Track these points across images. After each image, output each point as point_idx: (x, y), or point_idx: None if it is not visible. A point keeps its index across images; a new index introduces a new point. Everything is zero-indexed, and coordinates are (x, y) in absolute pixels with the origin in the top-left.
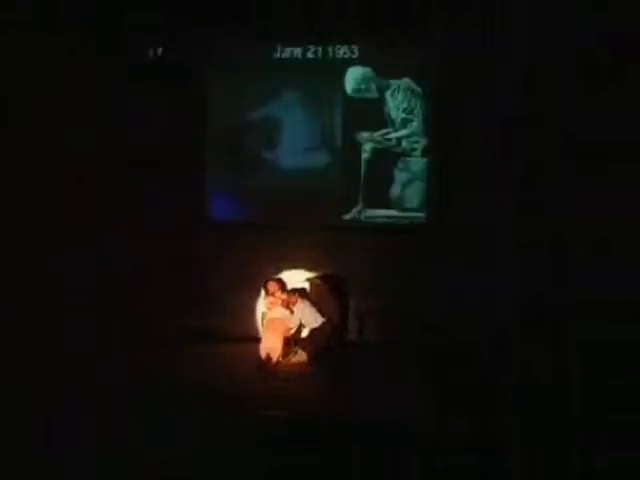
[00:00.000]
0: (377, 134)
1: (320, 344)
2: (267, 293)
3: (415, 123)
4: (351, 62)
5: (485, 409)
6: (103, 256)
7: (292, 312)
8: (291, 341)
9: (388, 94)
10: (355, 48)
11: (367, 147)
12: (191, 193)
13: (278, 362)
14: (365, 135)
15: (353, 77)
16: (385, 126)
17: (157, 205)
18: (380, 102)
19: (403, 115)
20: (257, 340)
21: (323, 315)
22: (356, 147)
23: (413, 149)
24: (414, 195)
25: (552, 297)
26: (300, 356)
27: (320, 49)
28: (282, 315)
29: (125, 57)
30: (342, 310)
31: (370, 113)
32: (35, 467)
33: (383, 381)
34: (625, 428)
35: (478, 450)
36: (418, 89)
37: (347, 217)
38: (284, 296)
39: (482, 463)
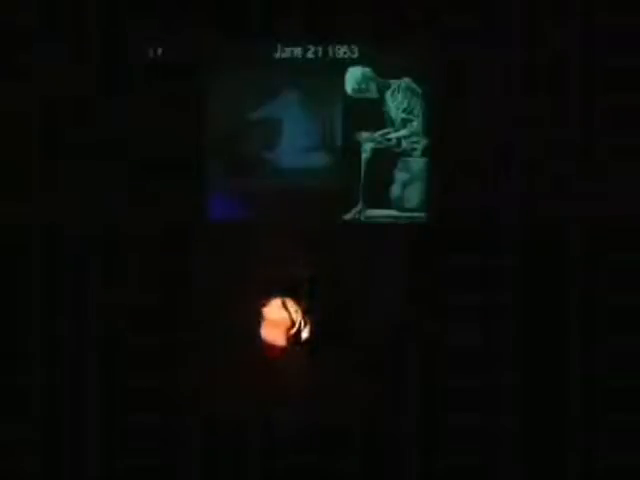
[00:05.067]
0: (377, 134)
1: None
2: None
3: (415, 123)
4: (351, 62)
5: (485, 409)
6: (102, 257)
7: (291, 313)
8: (290, 341)
9: (388, 94)
10: (355, 48)
11: (367, 147)
12: (191, 193)
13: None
14: (365, 135)
15: (353, 77)
16: (385, 126)
17: (157, 205)
18: (380, 102)
19: (403, 115)
20: (258, 340)
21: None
22: (356, 147)
23: (413, 149)
24: (414, 195)
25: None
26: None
27: (320, 49)
28: (281, 316)
29: (125, 57)
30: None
31: (370, 113)
32: None
33: (385, 381)
34: (625, 428)
35: (478, 449)
36: (418, 89)
37: (347, 217)
38: (286, 299)
39: (482, 463)
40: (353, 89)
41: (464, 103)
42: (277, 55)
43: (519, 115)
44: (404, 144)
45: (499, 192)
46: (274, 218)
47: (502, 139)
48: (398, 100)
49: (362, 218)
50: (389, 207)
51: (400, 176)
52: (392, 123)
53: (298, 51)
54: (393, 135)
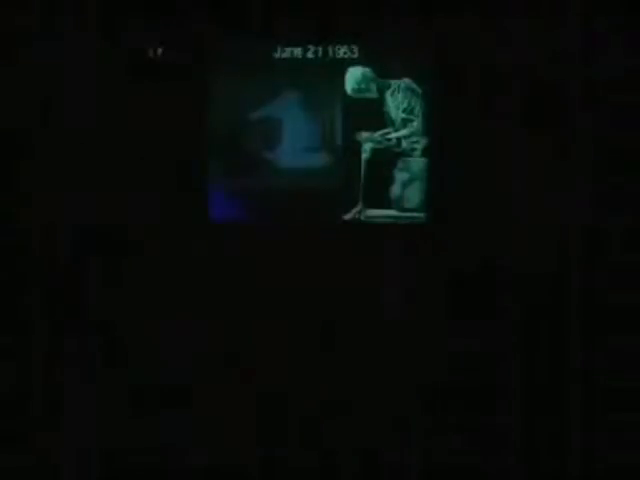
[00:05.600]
0: (377, 134)
1: None
2: None
3: (415, 123)
4: (351, 62)
5: (485, 409)
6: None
7: None
8: None
9: (388, 94)
10: (355, 48)
11: (367, 147)
12: (191, 193)
13: None
14: (365, 135)
15: (353, 77)
16: (385, 126)
17: (157, 205)
18: (380, 102)
19: (403, 115)
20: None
21: None
22: (356, 147)
23: (413, 149)
24: (414, 195)
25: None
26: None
27: (320, 49)
28: None
29: (125, 57)
30: None
31: (370, 113)
32: None
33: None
34: (625, 428)
35: (478, 449)
36: (418, 89)
37: (347, 217)
38: None
39: (482, 463)
40: (353, 89)
41: (464, 102)
42: (277, 55)
43: (519, 115)
44: (404, 144)
45: (499, 192)
46: (274, 218)
47: (502, 139)
48: (398, 100)
49: (362, 218)
50: (389, 207)
51: (400, 176)
52: (392, 123)
53: (298, 51)
54: (393, 135)
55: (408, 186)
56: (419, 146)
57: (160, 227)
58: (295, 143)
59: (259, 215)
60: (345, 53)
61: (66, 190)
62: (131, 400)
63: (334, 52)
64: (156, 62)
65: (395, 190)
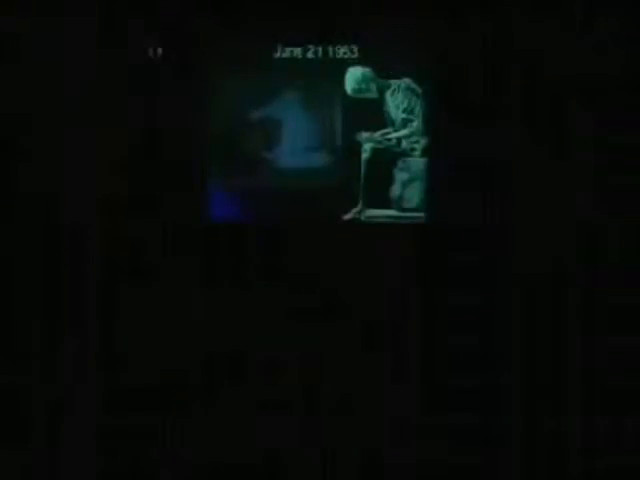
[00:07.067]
0: (377, 134)
1: None
2: None
3: (415, 123)
4: (351, 62)
5: (485, 409)
6: (104, 256)
7: None
8: None
9: (388, 94)
10: (355, 48)
11: (367, 147)
12: (191, 193)
13: None
14: (365, 135)
15: (353, 77)
16: (385, 126)
17: (157, 205)
18: (380, 102)
19: (403, 115)
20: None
21: None
22: (356, 147)
23: (413, 149)
24: (414, 195)
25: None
26: None
27: (320, 49)
28: None
29: (125, 56)
30: None
31: (370, 113)
32: None
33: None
34: (625, 428)
35: (478, 449)
36: (418, 89)
37: (347, 217)
38: None
39: (482, 463)
40: (353, 89)
41: (464, 103)
42: (277, 55)
43: (519, 115)
44: (404, 144)
45: (499, 192)
46: (274, 218)
47: (502, 139)
48: (398, 100)
49: (362, 218)
50: (389, 207)
51: (400, 176)
52: (392, 123)
53: (298, 51)
54: (393, 135)
55: (408, 186)
56: (419, 146)
57: (160, 227)
58: (295, 143)
59: (259, 215)
60: (345, 53)
61: (66, 190)
62: (131, 400)
63: (334, 52)
64: (156, 62)
65: (395, 190)
